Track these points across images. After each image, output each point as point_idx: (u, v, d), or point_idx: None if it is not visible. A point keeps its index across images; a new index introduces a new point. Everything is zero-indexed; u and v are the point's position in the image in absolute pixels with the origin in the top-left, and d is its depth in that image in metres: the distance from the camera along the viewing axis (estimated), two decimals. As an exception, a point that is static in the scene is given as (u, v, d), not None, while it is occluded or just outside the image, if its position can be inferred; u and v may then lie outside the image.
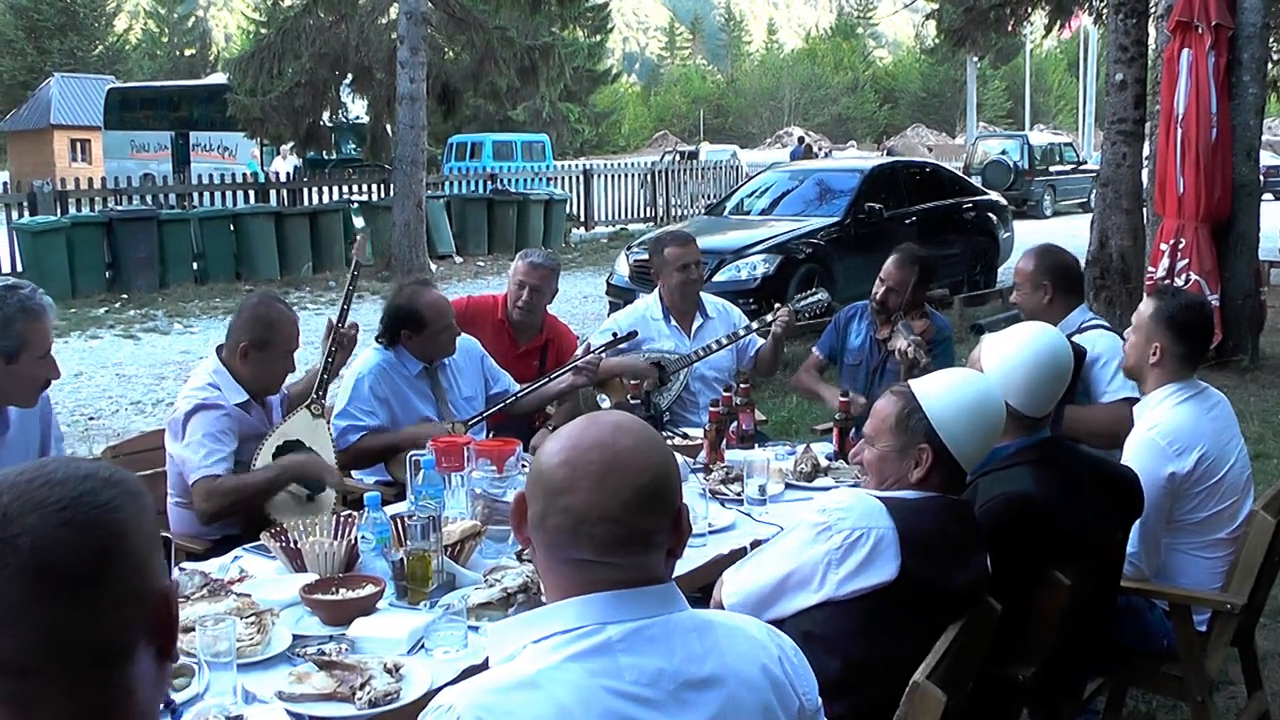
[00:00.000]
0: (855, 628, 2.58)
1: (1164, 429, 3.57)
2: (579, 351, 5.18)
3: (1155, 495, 3.44)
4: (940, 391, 2.81)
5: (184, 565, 3.25)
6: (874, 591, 2.56)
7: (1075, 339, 4.22)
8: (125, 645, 1.19)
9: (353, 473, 4.63)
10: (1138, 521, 3.39)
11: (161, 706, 1.91)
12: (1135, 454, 3.54)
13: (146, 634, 1.21)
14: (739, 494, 3.96)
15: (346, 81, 20.88)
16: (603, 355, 5.06)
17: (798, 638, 1.91)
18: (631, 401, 4.64)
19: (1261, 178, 10.07)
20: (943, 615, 2.60)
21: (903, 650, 2.51)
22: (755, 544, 3.61)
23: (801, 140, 41.62)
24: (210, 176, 20.91)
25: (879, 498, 2.68)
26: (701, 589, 3.46)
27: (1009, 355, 3.18)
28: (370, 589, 2.98)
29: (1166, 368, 3.68)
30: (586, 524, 1.63)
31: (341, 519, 3.44)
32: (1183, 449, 3.54)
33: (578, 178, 24.81)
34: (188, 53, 72.77)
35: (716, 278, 10.86)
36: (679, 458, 4.07)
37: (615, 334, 5.24)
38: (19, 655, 1.14)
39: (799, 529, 2.69)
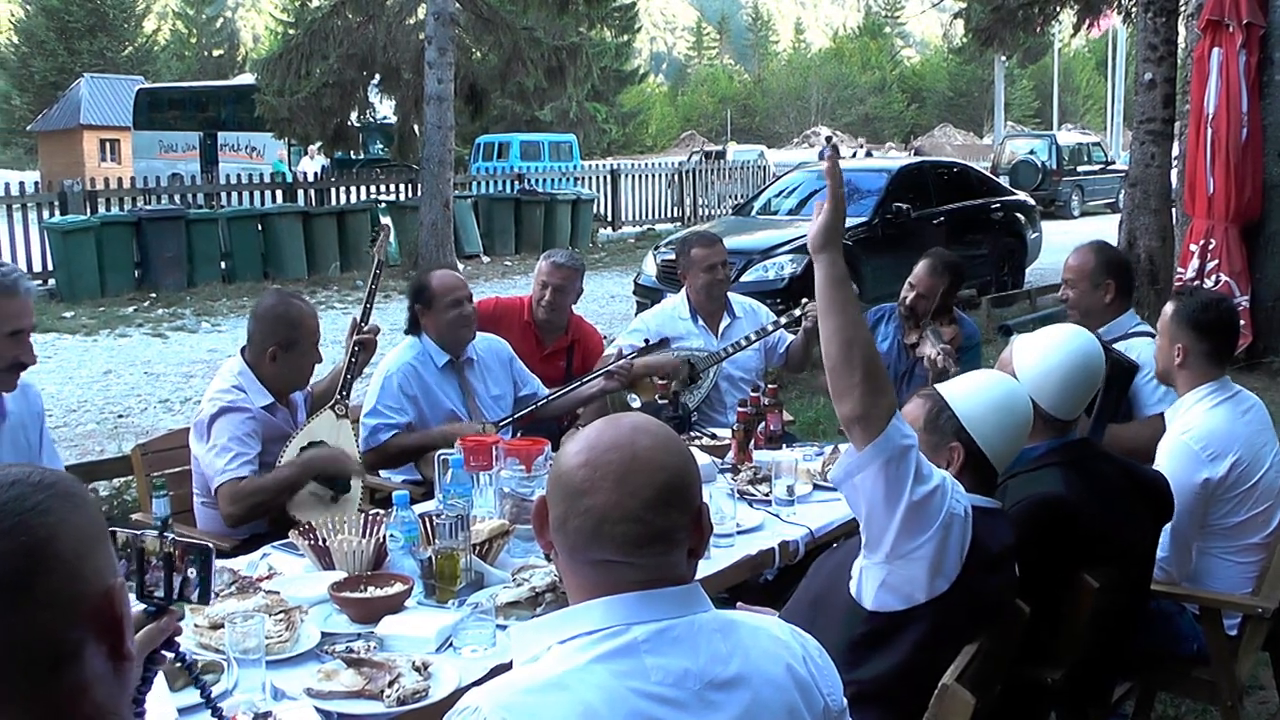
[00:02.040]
0: (896, 637, 2.57)
1: (1197, 433, 3.54)
2: (608, 352, 5.17)
3: (1187, 500, 3.42)
4: (966, 390, 2.81)
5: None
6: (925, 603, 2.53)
7: (1122, 345, 4.16)
8: (69, 647, 1.17)
9: (381, 471, 4.64)
10: (1168, 525, 3.37)
11: (200, 698, 1.91)
12: (1168, 458, 3.51)
13: (92, 634, 1.19)
14: (767, 495, 3.95)
15: (374, 82, 20.92)
16: (634, 360, 5.06)
17: (837, 644, 1.89)
18: (660, 401, 4.63)
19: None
20: (977, 623, 2.59)
21: (926, 659, 2.50)
22: (783, 545, 3.61)
23: (829, 139, 41.50)
24: (238, 176, 21.04)
25: None
26: (730, 590, 3.47)
27: (1043, 357, 3.15)
28: (398, 587, 2.99)
29: (1193, 368, 3.65)
30: (608, 523, 1.63)
31: (370, 517, 3.44)
32: (1216, 454, 3.50)
33: (605, 178, 24.80)
34: (216, 53, 72.97)
35: (744, 278, 10.85)
36: (707, 458, 4.12)
37: (647, 340, 5.24)
38: None
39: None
